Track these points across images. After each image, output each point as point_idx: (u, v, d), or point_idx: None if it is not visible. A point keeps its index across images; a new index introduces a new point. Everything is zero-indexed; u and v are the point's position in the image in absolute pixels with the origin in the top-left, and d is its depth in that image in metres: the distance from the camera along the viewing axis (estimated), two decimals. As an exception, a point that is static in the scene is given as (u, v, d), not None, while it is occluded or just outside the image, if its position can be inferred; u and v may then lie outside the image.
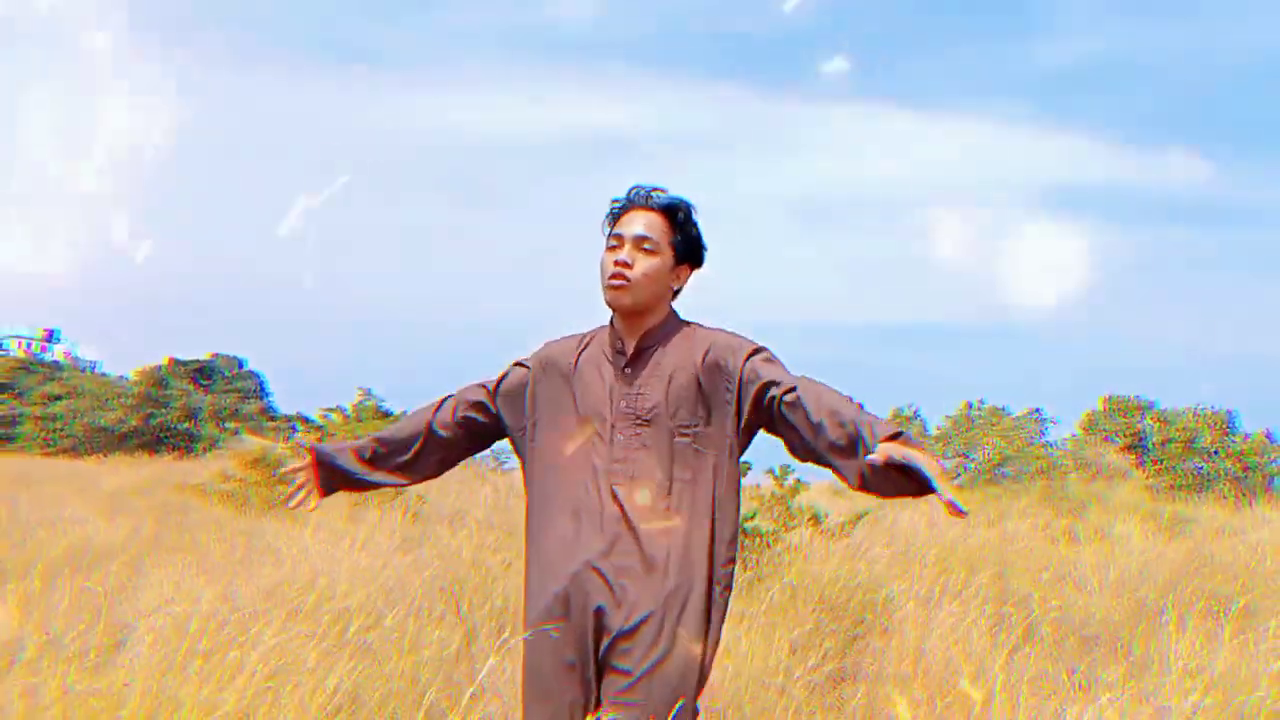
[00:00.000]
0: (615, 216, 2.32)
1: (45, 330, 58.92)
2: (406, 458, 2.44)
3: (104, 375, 40.75)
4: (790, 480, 8.22)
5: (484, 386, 2.44)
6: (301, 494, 2.46)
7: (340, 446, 2.47)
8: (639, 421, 2.22)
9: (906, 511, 7.47)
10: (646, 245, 2.25)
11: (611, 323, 2.34)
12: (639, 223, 2.27)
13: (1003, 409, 19.82)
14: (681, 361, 2.25)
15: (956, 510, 1.78)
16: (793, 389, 2.08)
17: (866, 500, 10.22)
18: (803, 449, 2.10)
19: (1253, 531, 8.96)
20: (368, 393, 21.97)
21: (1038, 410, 20.52)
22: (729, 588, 2.21)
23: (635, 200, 2.30)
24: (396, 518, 8.04)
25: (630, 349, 2.28)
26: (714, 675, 2.94)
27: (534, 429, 2.34)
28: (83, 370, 45.50)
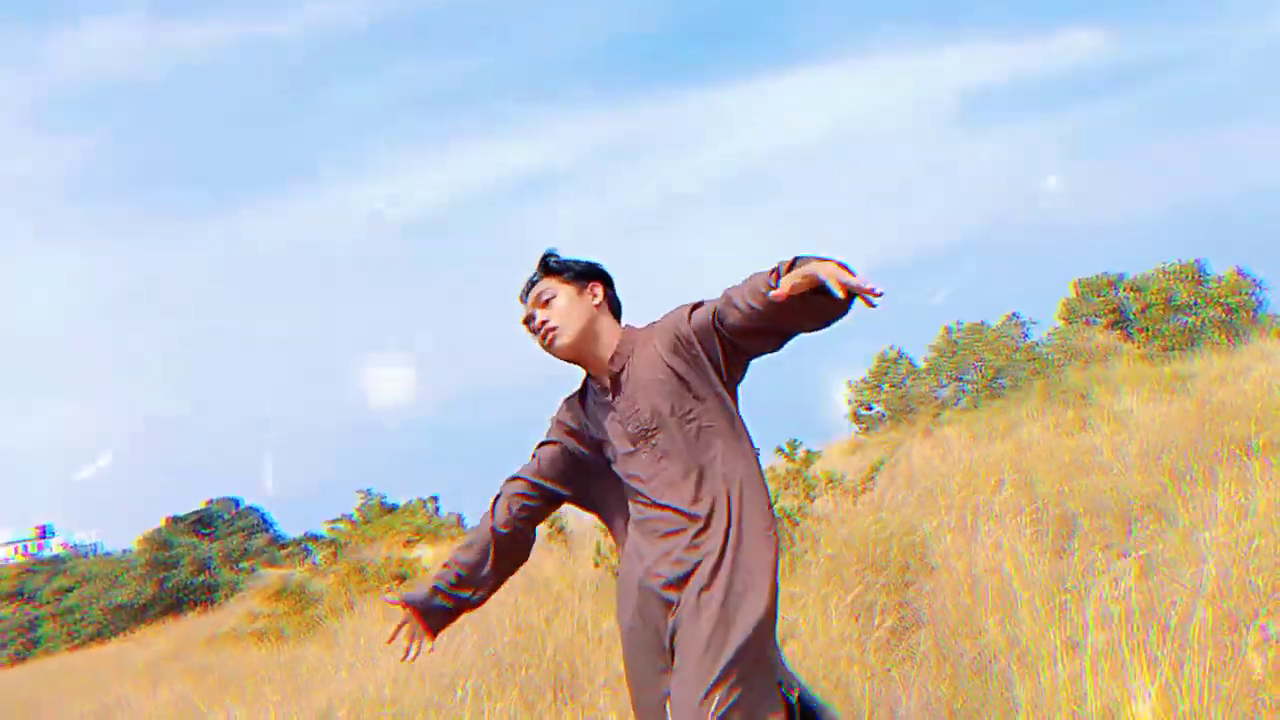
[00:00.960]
0: (524, 323, 2.53)
1: (38, 528, 58.08)
2: (486, 569, 2.60)
3: (108, 554, 40.23)
4: (800, 452, 8.21)
5: (522, 477, 2.61)
6: (415, 644, 2.60)
7: (424, 592, 2.61)
8: (648, 434, 2.37)
9: (917, 446, 7.46)
10: (545, 296, 2.45)
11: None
12: (533, 295, 2.49)
13: (981, 323, 19.93)
14: (649, 361, 2.40)
15: (870, 291, 1.93)
16: (723, 298, 2.24)
17: (878, 450, 10.23)
18: (760, 336, 2.25)
19: (1257, 367, 9.01)
20: (368, 493, 21.86)
21: (1015, 314, 20.66)
22: (772, 525, 2.33)
23: (523, 295, 2.52)
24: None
25: (607, 381, 2.45)
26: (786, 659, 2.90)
27: (589, 480, 2.57)
28: (85, 556, 44.86)
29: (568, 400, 2.60)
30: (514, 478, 2.63)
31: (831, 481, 6.62)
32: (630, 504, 2.46)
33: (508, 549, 2.61)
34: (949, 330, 20.70)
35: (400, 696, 4.37)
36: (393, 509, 21.35)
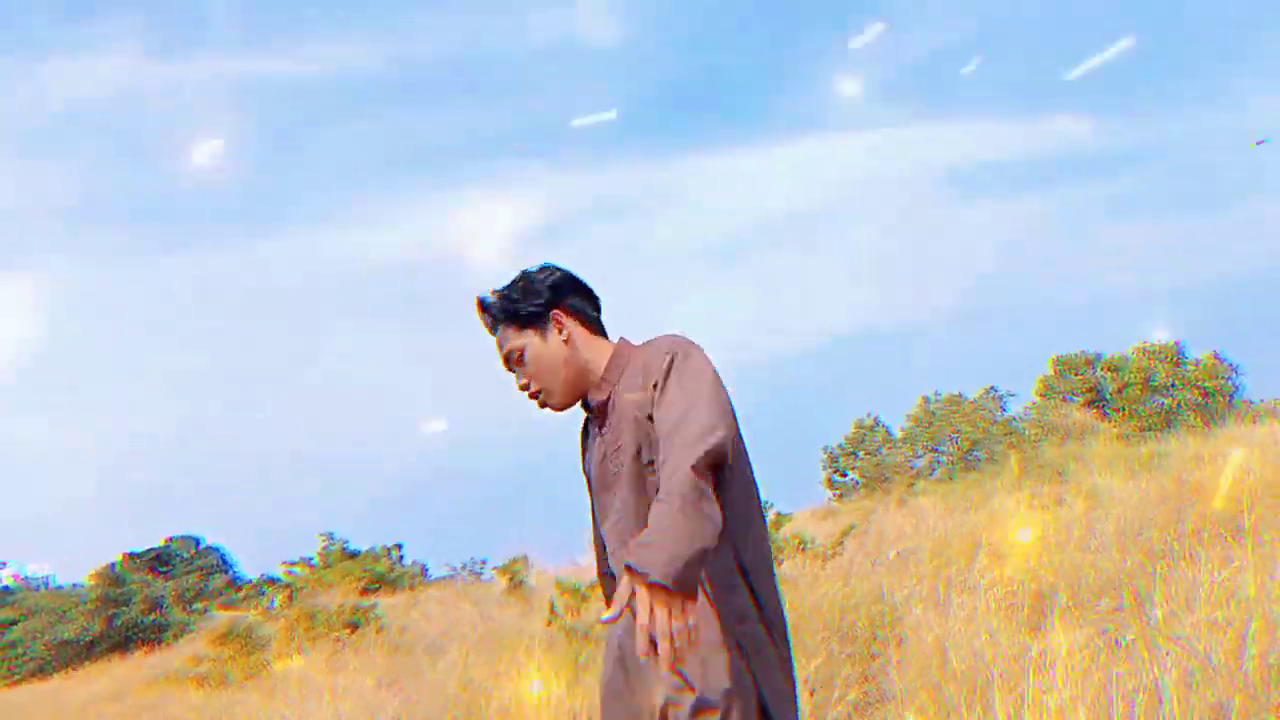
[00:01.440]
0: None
1: (-10, 557, 56.57)
2: None
3: (58, 589, 39.08)
4: (771, 514, 8.02)
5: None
6: None
7: None
8: (616, 476, 2.09)
9: (889, 514, 7.26)
10: (513, 355, 2.21)
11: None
12: (499, 345, 2.24)
13: (959, 394, 19.87)
14: (631, 394, 2.11)
15: (605, 620, 1.75)
16: (658, 434, 1.97)
17: (850, 516, 10.03)
18: None
19: (1235, 449, 8.88)
20: (330, 537, 21.37)
21: (993, 388, 20.63)
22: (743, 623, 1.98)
23: (486, 325, 2.28)
24: (375, 655, 7.63)
25: (594, 409, 2.22)
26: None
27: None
28: (36, 589, 43.62)
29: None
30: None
31: (801, 545, 6.40)
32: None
33: None
34: (926, 401, 20.63)
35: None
36: (354, 555, 20.85)
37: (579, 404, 2.24)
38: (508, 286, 2.23)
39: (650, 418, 2.01)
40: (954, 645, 3.24)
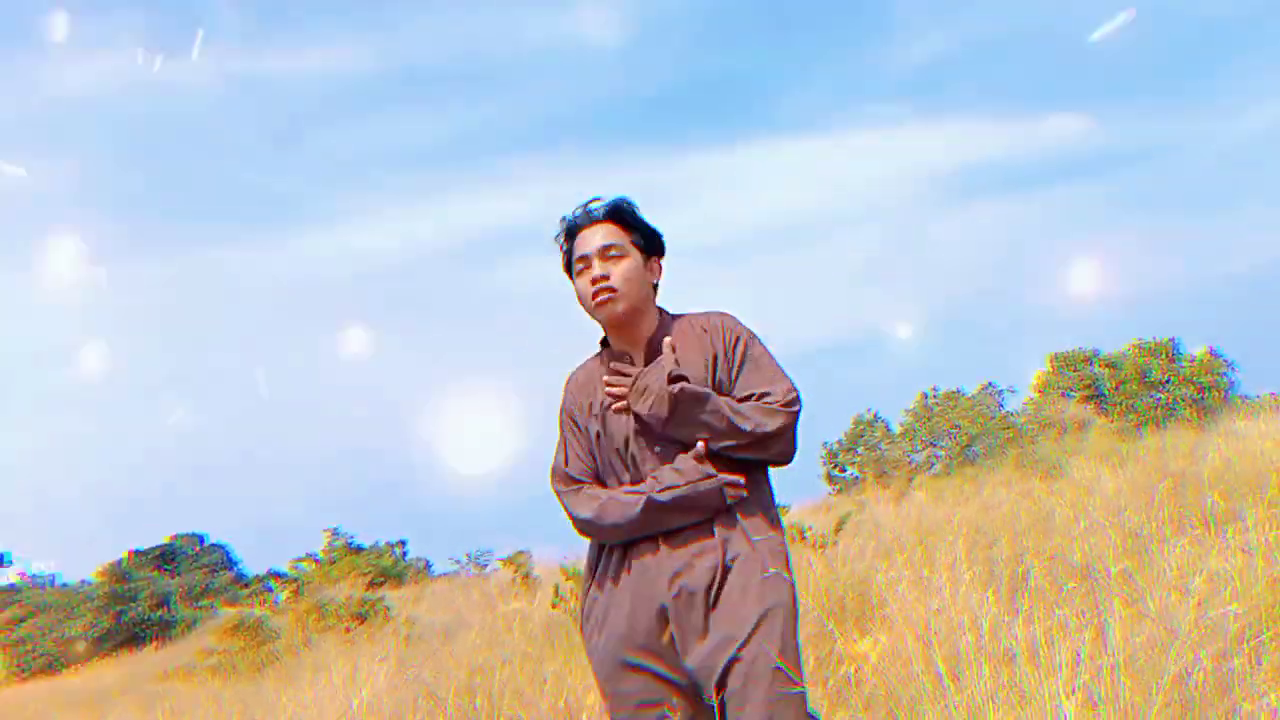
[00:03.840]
0: (569, 242, 2.34)
1: (-6, 556, 56.84)
2: None
3: (65, 585, 39.35)
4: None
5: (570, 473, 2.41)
6: None
7: None
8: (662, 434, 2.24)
9: (883, 507, 7.47)
10: (613, 252, 2.27)
11: (605, 346, 2.38)
12: (597, 236, 2.29)
13: (958, 390, 20.08)
14: (692, 357, 2.28)
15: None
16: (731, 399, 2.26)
17: (846, 507, 10.24)
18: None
19: (1226, 445, 9.09)
20: (335, 532, 21.61)
21: (991, 384, 20.84)
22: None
23: (580, 221, 2.32)
24: (388, 643, 7.84)
25: (641, 360, 2.31)
26: None
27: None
28: (41, 586, 43.88)
29: (582, 373, 2.41)
30: (568, 472, 2.39)
31: (800, 533, 6.62)
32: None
33: None
34: (925, 396, 20.83)
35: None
36: (359, 550, 21.12)
37: (600, 344, 2.37)
38: (634, 208, 2.33)
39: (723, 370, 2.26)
40: (935, 622, 3.45)
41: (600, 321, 2.34)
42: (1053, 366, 24.12)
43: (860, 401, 21.05)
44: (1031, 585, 3.70)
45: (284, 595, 12.95)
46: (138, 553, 42.23)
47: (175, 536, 46.80)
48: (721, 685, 2.09)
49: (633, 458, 2.27)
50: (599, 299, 2.26)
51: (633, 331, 2.32)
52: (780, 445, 2.21)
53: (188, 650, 13.93)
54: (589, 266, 2.27)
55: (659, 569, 2.19)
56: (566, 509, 2.33)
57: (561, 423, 2.40)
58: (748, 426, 2.17)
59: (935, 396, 20.15)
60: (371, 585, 16.80)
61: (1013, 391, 21.20)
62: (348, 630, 9.85)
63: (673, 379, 2.22)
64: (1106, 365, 23.28)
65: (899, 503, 12.44)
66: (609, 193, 2.32)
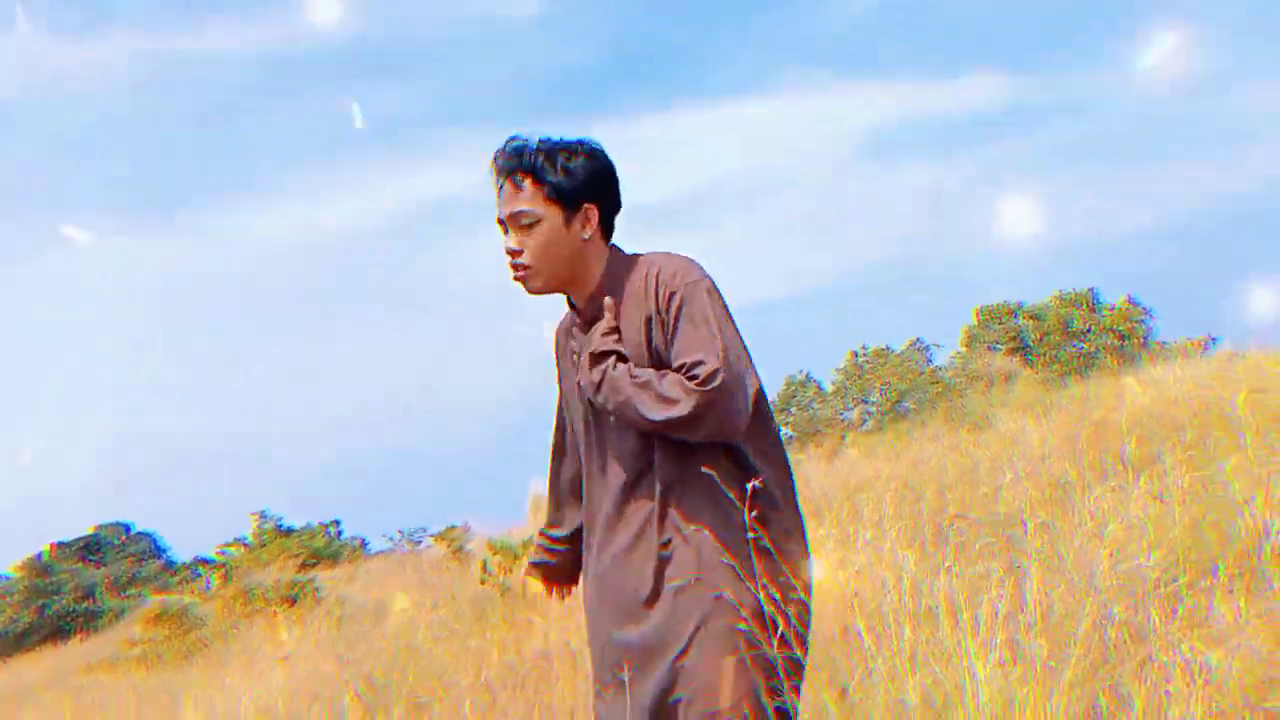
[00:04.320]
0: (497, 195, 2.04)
1: (-89, 552, 54.77)
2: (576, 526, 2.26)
3: (-15, 580, 38.05)
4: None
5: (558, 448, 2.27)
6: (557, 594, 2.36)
7: (543, 560, 2.32)
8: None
9: (814, 465, 7.47)
10: (525, 220, 1.97)
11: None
12: (508, 198, 1.99)
13: (886, 348, 20.33)
14: (632, 317, 1.99)
15: None
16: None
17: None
18: None
19: (1143, 393, 9.29)
20: (263, 515, 21.14)
21: (919, 339, 21.14)
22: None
23: (499, 168, 2.02)
24: (318, 625, 7.66)
25: (581, 319, 2.07)
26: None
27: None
28: (-37, 582, 42.39)
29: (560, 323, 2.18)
30: (555, 449, 2.25)
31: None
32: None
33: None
34: (855, 355, 21.05)
35: (273, 709, 4.12)
36: (289, 532, 20.69)
37: (566, 301, 2.11)
38: (555, 146, 1.99)
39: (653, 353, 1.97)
40: (857, 582, 3.41)
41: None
42: (979, 320, 24.59)
43: (794, 362, 21.20)
44: (955, 540, 3.67)
45: (214, 580, 12.59)
46: (61, 545, 41.01)
47: (100, 527, 45.54)
48: None
49: (595, 439, 2.04)
50: (514, 276, 2.01)
51: (572, 291, 2.06)
52: (706, 428, 1.85)
53: (114, 641, 13.51)
54: (506, 231, 2.02)
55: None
56: None
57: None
58: (657, 415, 1.86)
59: (865, 354, 20.38)
60: (304, 567, 16.49)
61: (939, 346, 21.56)
62: (276, 614, 9.62)
63: (594, 356, 1.97)
64: (1030, 317, 23.80)
65: (831, 461, 12.53)
66: (531, 132, 2.02)
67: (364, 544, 26.81)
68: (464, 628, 5.21)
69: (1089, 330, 22.39)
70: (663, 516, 1.94)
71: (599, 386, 1.95)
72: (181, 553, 37.89)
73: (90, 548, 41.78)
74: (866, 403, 19.76)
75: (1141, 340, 22.03)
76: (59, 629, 26.91)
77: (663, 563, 1.92)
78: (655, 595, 1.93)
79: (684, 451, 1.92)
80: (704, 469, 1.89)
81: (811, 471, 7.84)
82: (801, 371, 21.81)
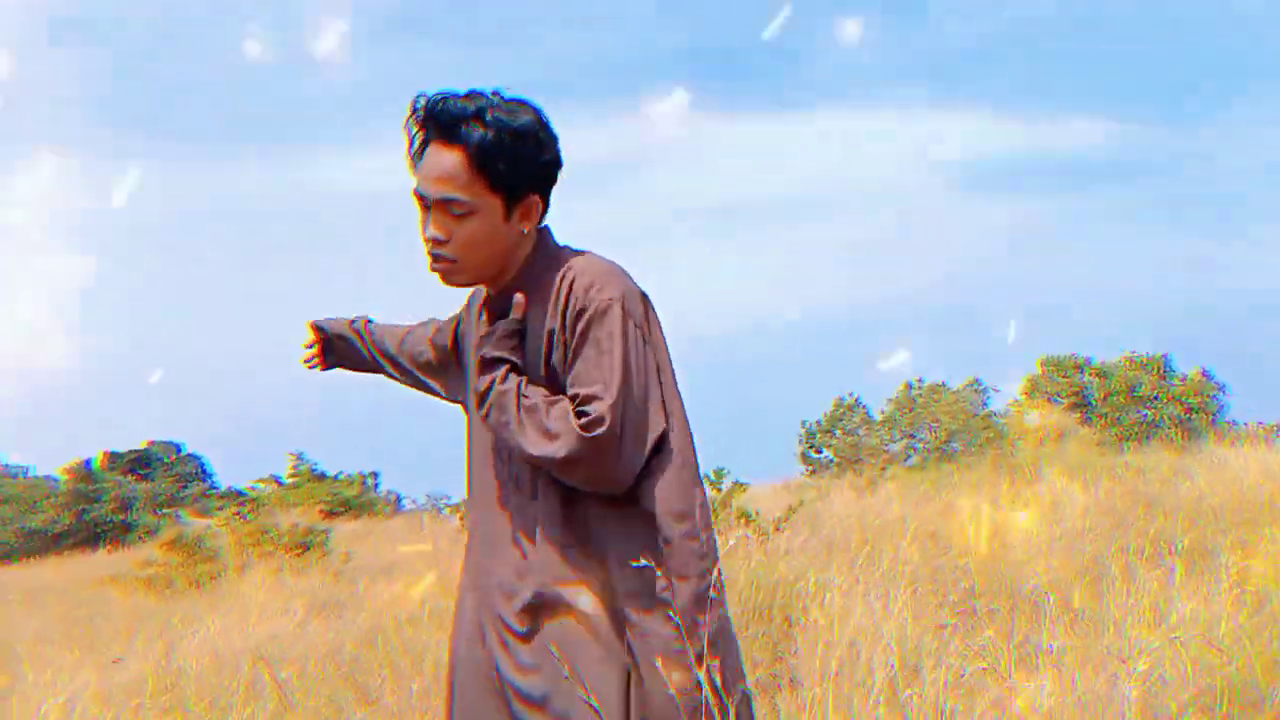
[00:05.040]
0: (415, 153, 1.70)
1: (-29, 441, 56.80)
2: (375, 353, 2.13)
3: (34, 478, 39.24)
4: (728, 483, 7.86)
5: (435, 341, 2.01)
6: (313, 359, 2.19)
7: (340, 327, 2.16)
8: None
9: (841, 495, 7.16)
10: (456, 209, 1.65)
11: None
12: (436, 174, 1.65)
13: (943, 384, 19.77)
14: (535, 325, 1.73)
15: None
16: None
17: (803, 494, 9.95)
18: None
19: (1205, 473, 8.80)
20: (300, 458, 21.35)
21: (978, 380, 20.52)
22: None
23: (426, 123, 1.67)
24: (315, 579, 7.58)
25: (493, 309, 1.79)
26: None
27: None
28: (14, 476, 43.80)
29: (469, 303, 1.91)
30: (427, 326, 2.03)
31: (745, 518, 6.30)
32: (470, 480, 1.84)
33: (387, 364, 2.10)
34: (909, 386, 20.51)
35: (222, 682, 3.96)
36: (322, 477, 20.87)
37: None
38: (502, 124, 1.64)
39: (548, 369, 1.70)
40: (864, 635, 3.14)
41: None
42: (1042, 370, 23.83)
43: (846, 383, 20.72)
44: (975, 608, 3.38)
45: (229, 512, 12.58)
46: (113, 454, 42.15)
47: (153, 443, 46.75)
48: None
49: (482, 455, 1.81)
50: (434, 267, 1.72)
51: (491, 282, 1.78)
52: (580, 475, 1.62)
53: (133, 559, 13.68)
54: (426, 211, 1.69)
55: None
56: None
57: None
58: (533, 449, 1.62)
59: (919, 387, 19.82)
60: (330, 515, 16.58)
61: (997, 391, 20.91)
62: (284, 559, 9.59)
63: (485, 361, 1.71)
64: (1097, 374, 23.00)
65: (866, 492, 12.17)
66: (499, 85, 1.67)
67: (398, 500, 27.02)
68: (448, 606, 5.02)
69: (1156, 397, 21.54)
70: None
71: (483, 397, 1.70)
72: (227, 481, 38.58)
73: (140, 461, 42.91)
74: (914, 437, 19.22)
75: (1210, 417, 21.14)
76: (93, 536, 27.58)
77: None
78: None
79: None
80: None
81: (840, 504, 7.52)
82: (851, 395, 21.32)
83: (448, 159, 1.64)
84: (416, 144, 1.70)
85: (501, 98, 1.68)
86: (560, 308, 1.68)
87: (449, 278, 1.73)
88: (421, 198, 1.68)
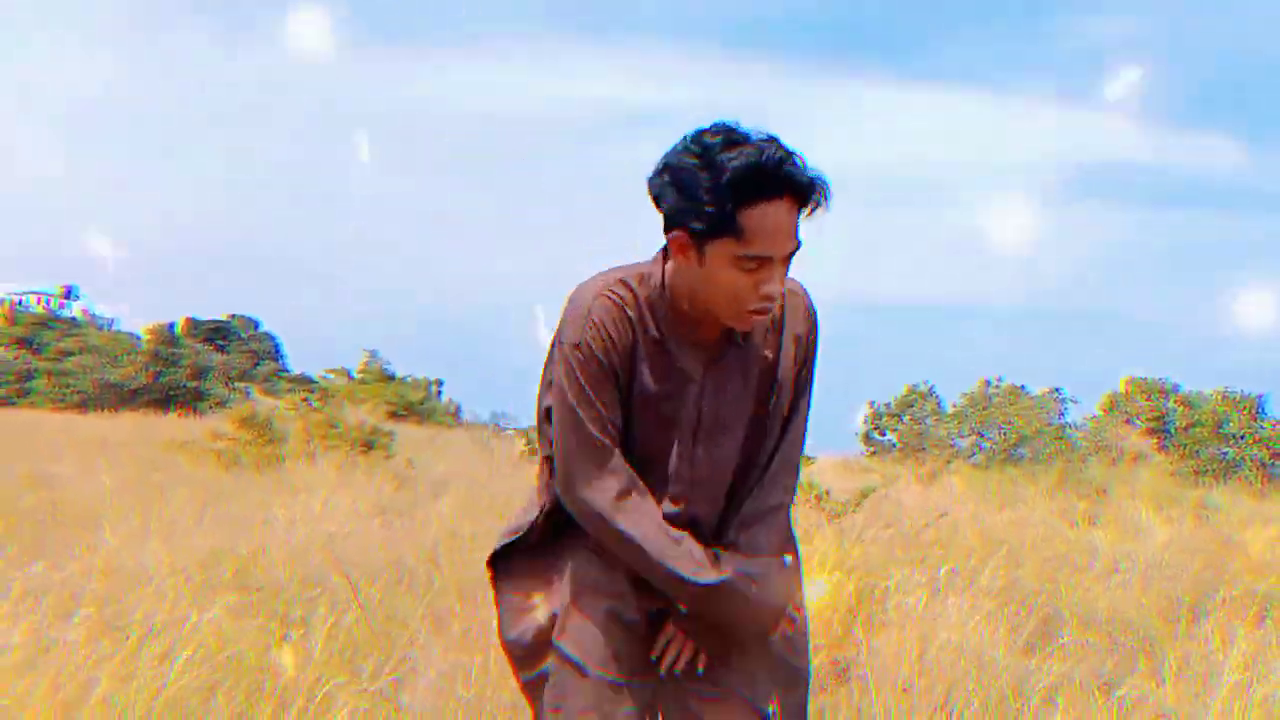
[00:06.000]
0: (743, 199, 1.55)
1: (64, 286, 59.05)
2: None
3: (119, 332, 40.72)
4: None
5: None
6: None
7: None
8: (721, 429, 1.72)
9: (911, 487, 7.00)
10: (791, 258, 1.63)
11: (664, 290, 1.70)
12: (788, 230, 1.58)
13: (1021, 387, 19.28)
14: (770, 346, 1.75)
15: None
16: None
17: (872, 477, 9.81)
18: None
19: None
20: (373, 354, 21.75)
21: (1058, 390, 19.98)
22: None
23: (786, 185, 1.56)
24: (379, 480, 7.71)
25: (715, 347, 1.72)
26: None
27: None
28: (100, 327, 45.51)
29: (615, 312, 1.69)
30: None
31: (816, 495, 6.19)
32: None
33: None
34: (987, 384, 20.06)
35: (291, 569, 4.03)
36: (391, 378, 21.22)
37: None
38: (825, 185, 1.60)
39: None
40: (936, 649, 3.04)
41: (726, 321, 1.67)
42: (1125, 389, 23.09)
43: (923, 371, 20.33)
44: (1057, 635, 3.24)
45: (297, 397, 12.80)
46: (195, 322, 43.56)
47: (232, 316, 48.18)
48: None
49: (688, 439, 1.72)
50: (756, 316, 1.63)
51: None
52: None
53: (203, 429, 14.10)
54: (766, 270, 1.59)
55: None
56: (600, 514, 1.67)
57: (580, 371, 1.68)
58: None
59: (997, 387, 19.36)
60: (394, 416, 16.87)
61: (1076, 403, 20.33)
62: (348, 455, 9.76)
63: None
64: (1183, 403, 22.21)
65: (929, 484, 11.94)
66: (760, 126, 1.57)
67: (458, 410, 27.47)
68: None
69: (1242, 436, 20.75)
70: None
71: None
72: (297, 365, 39.58)
73: (219, 332, 44.30)
74: (983, 436, 18.84)
75: (1296, 465, 20.31)
76: (165, 398, 28.55)
77: None
78: None
79: None
80: None
81: (906, 496, 7.36)
82: (926, 383, 20.94)
83: (795, 216, 1.59)
84: (747, 194, 1.56)
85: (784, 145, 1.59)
86: (794, 350, 1.77)
87: (760, 319, 1.66)
88: (765, 260, 1.58)
